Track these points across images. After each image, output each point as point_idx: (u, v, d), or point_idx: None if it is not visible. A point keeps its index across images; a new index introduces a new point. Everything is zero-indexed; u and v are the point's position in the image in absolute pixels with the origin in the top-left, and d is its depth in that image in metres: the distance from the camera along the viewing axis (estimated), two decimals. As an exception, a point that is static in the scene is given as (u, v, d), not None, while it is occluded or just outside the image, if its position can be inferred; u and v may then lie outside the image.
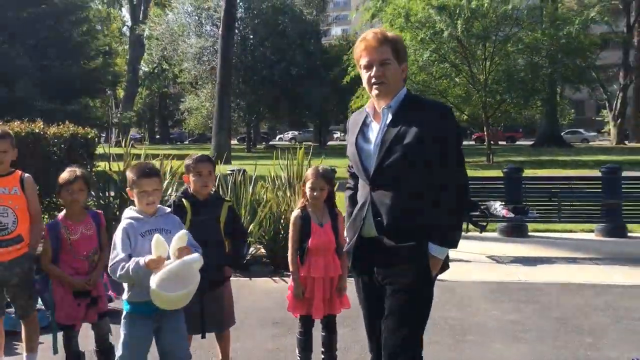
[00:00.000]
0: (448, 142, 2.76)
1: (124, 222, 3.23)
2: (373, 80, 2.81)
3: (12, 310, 4.04)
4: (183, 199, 3.78)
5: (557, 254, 7.51)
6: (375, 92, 2.84)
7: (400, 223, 2.75)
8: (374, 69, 2.80)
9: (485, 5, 22.58)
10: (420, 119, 2.74)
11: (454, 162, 2.78)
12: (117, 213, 7.32)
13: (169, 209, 3.40)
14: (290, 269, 4.01)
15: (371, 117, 2.93)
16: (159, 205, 3.34)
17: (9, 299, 3.88)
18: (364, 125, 2.95)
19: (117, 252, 3.11)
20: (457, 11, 22.60)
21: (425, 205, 2.76)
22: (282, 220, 7.09)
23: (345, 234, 3.30)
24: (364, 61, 2.83)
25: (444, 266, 2.83)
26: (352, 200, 3.09)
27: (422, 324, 2.83)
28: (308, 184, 3.93)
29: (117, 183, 7.49)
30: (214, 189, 3.96)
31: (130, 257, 3.08)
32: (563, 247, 7.90)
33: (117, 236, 3.17)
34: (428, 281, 2.81)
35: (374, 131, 2.88)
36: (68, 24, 24.57)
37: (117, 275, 3.07)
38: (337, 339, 4.05)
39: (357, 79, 17.23)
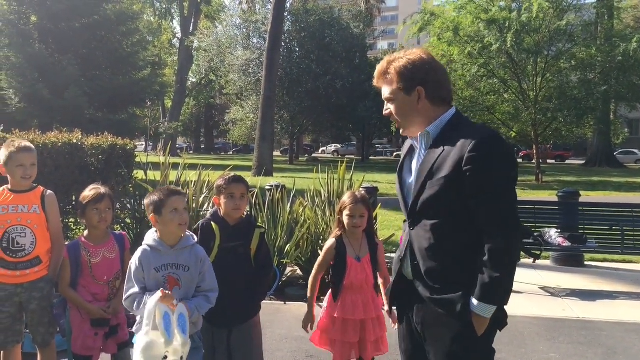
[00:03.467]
0: (493, 178, 2.21)
1: (140, 249, 2.95)
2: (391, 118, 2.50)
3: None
4: (212, 222, 3.47)
5: (618, 287, 6.90)
6: (397, 126, 2.51)
7: (437, 270, 2.31)
8: (385, 105, 2.50)
9: (538, 19, 21.87)
10: (460, 149, 2.23)
11: (499, 202, 2.22)
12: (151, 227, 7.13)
13: (195, 240, 3.11)
14: (308, 295, 3.66)
15: (415, 143, 2.51)
16: (187, 233, 3.03)
17: (27, 325, 3.65)
18: (410, 152, 2.55)
19: (131, 284, 2.89)
20: (507, 24, 21.95)
21: (467, 252, 2.26)
22: (320, 241, 6.75)
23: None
24: None
25: (500, 322, 2.32)
26: None
27: None
28: (346, 212, 3.56)
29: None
30: (245, 213, 3.63)
31: (144, 290, 2.81)
32: (625, 280, 7.27)
33: (133, 264, 2.92)
34: (474, 345, 2.29)
35: (415, 161, 2.47)
36: (119, 34, 24.95)
37: (134, 311, 2.81)
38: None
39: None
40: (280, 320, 5.47)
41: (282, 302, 6.12)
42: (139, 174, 7.98)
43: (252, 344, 3.50)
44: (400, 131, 2.50)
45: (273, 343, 4.70)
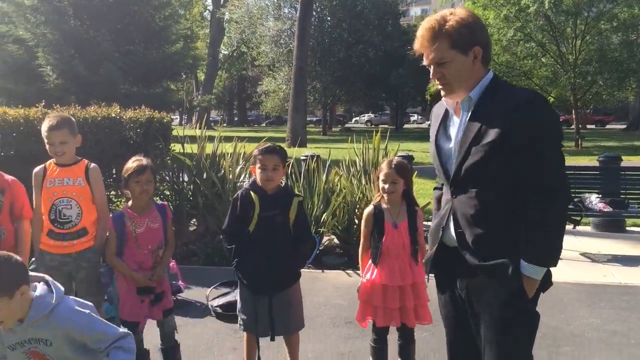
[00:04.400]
0: (543, 140, 2.20)
1: None
2: (436, 81, 2.39)
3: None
4: (251, 192, 3.51)
5: (661, 253, 6.77)
6: (442, 92, 2.42)
7: (484, 238, 2.29)
8: (432, 69, 2.37)
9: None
10: (507, 112, 2.21)
11: (550, 164, 2.22)
12: (191, 198, 7.26)
13: (52, 302, 2.17)
14: (360, 266, 3.69)
15: (452, 110, 2.48)
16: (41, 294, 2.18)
17: (76, 294, 3.78)
18: (445, 119, 2.51)
19: None
20: (545, -15, 21.24)
21: (516, 216, 2.25)
22: (356, 210, 6.77)
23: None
24: (424, 57, 2.38)
25: (546, 284, 2.33)
26: (439, 202, 2.69)
27: (526, 353, 2.36)
28: (381, 177, 3.57)
29: (190, 168, 7.41)
30: (283, 182, 3.66)
31: None
32: (668, 246, 7.12)
33: None
34: (524, 308, 2.32)
35: (455, 127, 2.43)
36: (151, 8, 25.01)
37: None
38: (415, 347, 3.70)
39: (437, 60, 16.45)
40: (318, 288, 5.55)
41: (320, 271, 6.19)
42: (176, 147, 8.10)
43: (292, 310, 3.57)
44: (444, 96, 2.44)
45: (312, 310, 4.77)
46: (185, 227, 7.29)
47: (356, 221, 6.67)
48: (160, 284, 3.61)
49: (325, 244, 6.81)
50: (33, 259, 3.99)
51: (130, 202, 3.64)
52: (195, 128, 11.64)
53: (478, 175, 2.28)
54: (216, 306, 4.92)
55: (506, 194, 2.26)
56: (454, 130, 2.42)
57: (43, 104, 6.94)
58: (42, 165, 3.67)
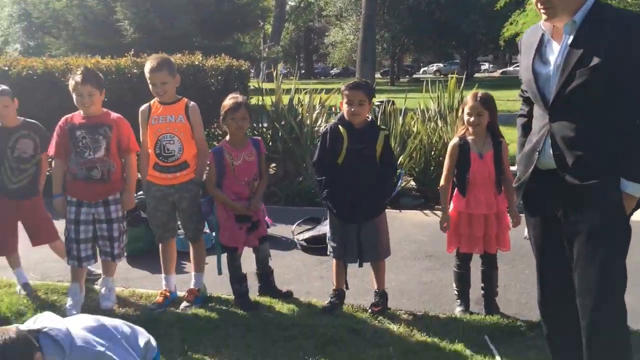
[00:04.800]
0: None
1: None
2: (538, 4, 2.41)
3: (181, 232, 4.29)
4: (340, 126, 3.69)
5: None
6: (544, 16, 2.44)
7: (585, 159, 2.37)
8: None
9: None
10: (611, 36, 2.26)
11: None
12: (270, 144, 7.53)
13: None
14: (441, 199, 3.83)
15: (549, 35, 2.52)
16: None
17: (179, 223, 4.13)
18: (541, 45, 2.54)
19: None
20: None
21: (616, 136, 2.33)
22: (432, 152, 6.86)
23: (516, 166, 2.88)
24: None
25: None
26: (525, 128, 2.75)
27: (622, 272, 2.42)
28: (466, 109, 3.66)
29: (270, 114, 7.67)
30: (369, 117, 3.81)
31: None
32: None
33: None
34: (622, 223, 2.41)
35: (554, 52, 2.47)
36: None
37: None
38: (497, 274, 3.84)
39: (512, 4, 15.83)
40: (397, 226, 5.72)
41: (398, 211, 6.37)
42: (252, 99, 8.33)
43: (379, 238, 3.78)
44: (545, 20, 2.46)
45: (393, 245, 4.90)
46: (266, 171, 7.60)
47: (433, 164, 6.77)
48: (255, 213, 3.89)
49: (402, 185, 6.95)
50: (141, 191, 4.37)
51: (228, 137, 3.90)
52: (263, 80, 11.91)
53: (580, 98, 2.35)
54: (302, 240, 5.21)
55: (607, 115, 2.34)
56: (552, 55, 2.47)
57: (132, 52, 7.33)
58: (147, 104, 3.98)
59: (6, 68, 7.24)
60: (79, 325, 2.05)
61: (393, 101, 8.16)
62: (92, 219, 3.86)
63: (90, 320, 2.12)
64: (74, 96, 3.82)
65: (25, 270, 4.34)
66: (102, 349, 1.99)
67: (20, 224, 4.29)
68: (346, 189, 3.65)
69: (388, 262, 3.99)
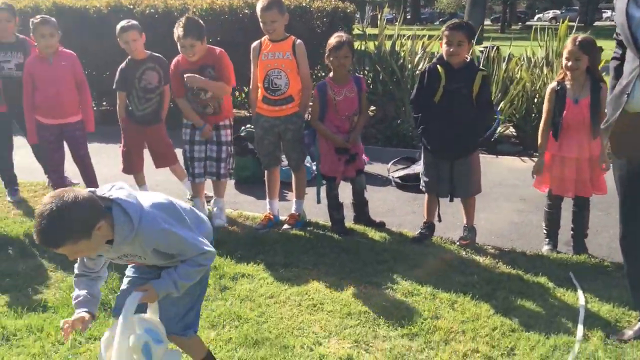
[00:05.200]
0: None
1: None
2: None
3: (284, 163, 4.64)
4: (438, 66, 3.82)
5: None
6: None
7: None
8: None
9: None
10: None
11: None
12: (371, 87, 7.69)
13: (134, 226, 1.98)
14: (538, 142, 3.88)
15: None
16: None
17: (283, 153, 4.47)
18: None
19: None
20: None
21: None
22: (535, 99, 6.75)
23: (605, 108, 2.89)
24: None
25: None
26: (617, 71, 2.76)
27: None
28: (564, 54, 3.65)
29: (372, 57, 7.80)
30: (468, 58, 3.90)
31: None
32: None
33: None
34: None
35: None
36: None
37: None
38: (589, 220, 3.88)
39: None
40: (493, 171, 5.79)
41: (494, 156, 6.40)
42: (357, 44, 8.45)
43: (471, 175, 3.93)
44: None
45: (488, 188, 5.04)
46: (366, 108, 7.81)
47: (535, 111, 6.67)
48: (354, 146, 4.15)
49: (501, 132, 6.92)
50: (249, 124, 4.75)
51: (331, 74, 4.15)
52: (368, 25, 11.89)
53: None
54: (396, 177, 5.43)
55: None
56: None
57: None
58: (258, 41, 4.29)
59: (131, 6, 7.88)
60: (150, 201, 2.04)
61: (497, 47, 8.00)
62: (205, 141, 4.33)
63: (162, 198, 2.12)
64: (178, 46, 4.19)
65: (148, 189, 4.90)
66: (167, 226, 2.00)
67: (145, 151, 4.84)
68: (441, 126, 3.80)
69: (480, 203, 4.14)
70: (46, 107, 4.56)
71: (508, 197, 5.04)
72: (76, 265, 2.18)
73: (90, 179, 4.84)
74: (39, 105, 4.56)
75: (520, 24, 50.74)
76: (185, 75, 4.18)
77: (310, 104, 4.28)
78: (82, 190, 1.88)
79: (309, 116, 4.33)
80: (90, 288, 2.16)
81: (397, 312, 3.11)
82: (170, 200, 2.15)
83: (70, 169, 5.04)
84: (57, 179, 4.90)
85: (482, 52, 7.82)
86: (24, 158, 5.39)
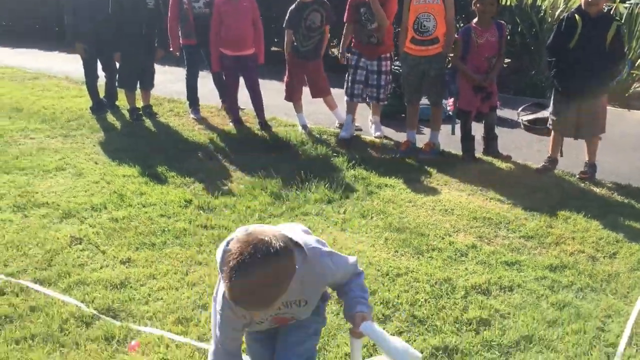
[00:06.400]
0: None
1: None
2: None
3: (423, 102, 5.29)
4: (576, 14, 4.22)
5: None
6: None
7: None
8: None
9: None
10: None
11: None
12: (509, 38, 7.96)
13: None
14: None
15: None
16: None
17: (424, 90, 5.10)
18: None
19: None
20: None
21: None
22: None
23: None
24: None
25: None
26: None
27: None
28: None
29: (512, 9, 8.06)
30: (606, 8, 4.25)
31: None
32: None
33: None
34: None
35: None
36: None
37: None
38: None
39: None
40: (623, 123, 6.01)
41: (627, 110, 6.57)
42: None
43: (597, 116, 4.33)
44: None
45: (615, 137, 5.35)
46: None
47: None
48: (490, 85, 4.69)
49: (636, 87, 7.01)
50: (397, 63, 5.42)
51: (475, 19, 4.68)
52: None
53: None
54: (526, 120, 5.87)
55: None
56: None
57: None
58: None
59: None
60: (296, 231, 1.83)
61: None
62: (366, 69, 5.15)
63: (296, 226, 1.94)
64: None
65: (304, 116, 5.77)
66: (327, 249, 1.80)
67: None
68: (573, 70, 4.23)
69: (606, 148, 4.55)
70: (229, 41, 5.51)
71: (635, 147, 5.32)
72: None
73: (258, 104, 5.79)
74: (224, 39, 5.52)
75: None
76: None
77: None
78: (278, 233, 1.56)
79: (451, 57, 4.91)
80: None
81: (515, 220, 3.72)
82: (301, 226, 1.97)
83: (240, 100, 6.02)
84: (231, 103, 5.92)
85: (626, 8, 7.79)
86: (204, 85, 6.46)
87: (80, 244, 3.39)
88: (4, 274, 3.02)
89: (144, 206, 3.94)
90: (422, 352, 2.43)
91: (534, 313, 2.72)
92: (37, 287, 2.90)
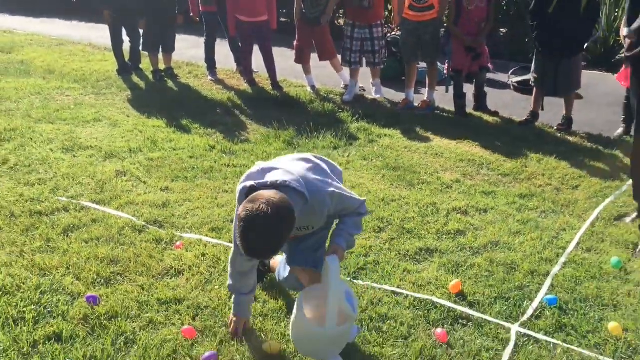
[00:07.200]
0: None
1: None
2: None
3: (420, 65, 5.85)
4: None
5: None
6: None
7: None
8: None
9: None
10: None
11: None
12: (504, 7, 8.47)
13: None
14: None
15: None
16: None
17: (420, 52, 5.64)
18: None
19: None
20: None
21: None
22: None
23: None
24: None
25: None
26: None
27: None
28: None
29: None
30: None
31: None
32: None
33: None
34: None
35: None
36: None
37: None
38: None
39: None
40: (604, 86, 6.56)
41: (610, 74, 7.09)
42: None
43: (573, 75, 4.89)
44: None
45: (596, 97, 5.92)
46: (497, 31, 8.65)
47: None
48: (480, 46, 5.25)
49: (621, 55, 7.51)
50: (394, 32, 5.96)
51: (466, -14, 5.23)
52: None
53: None
54: (515, 81, 6.43)
55: None
56: None
57: None
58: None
59: None
60: (302, 168, 2.14)
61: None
62: (361, 37, 5.68)
63: (308, 161, 2.24)
64: None
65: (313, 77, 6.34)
66: (330, 189, 2.09)
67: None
68: (552, 32, 4.76)
69: (585, 106, 5.09)
70: (245, 8, 6.05)
71: (610, 103, 5.87)
72: (234, 265, 2.31)
73: (270, 65, 6.35)
74: (240, 6, 6.06)
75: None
76: None
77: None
78: (272, 194, 1.90)
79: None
80: (254, 281, 2.38)
81: (496, 162, 4.32)
82: (312, 158, 2.28)
83: (253, 64, 6.59)
84: (246, 66, 6.49)
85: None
86: (218, 51, 7.01)
87: (124, 176, 4.00)
88: (65, 197, 3.64)
89: (174, 149, 4.55)
90: (408, 252, 3.04)
91: (502, 226, 3.33)
92: (94, 205, 3.53)
